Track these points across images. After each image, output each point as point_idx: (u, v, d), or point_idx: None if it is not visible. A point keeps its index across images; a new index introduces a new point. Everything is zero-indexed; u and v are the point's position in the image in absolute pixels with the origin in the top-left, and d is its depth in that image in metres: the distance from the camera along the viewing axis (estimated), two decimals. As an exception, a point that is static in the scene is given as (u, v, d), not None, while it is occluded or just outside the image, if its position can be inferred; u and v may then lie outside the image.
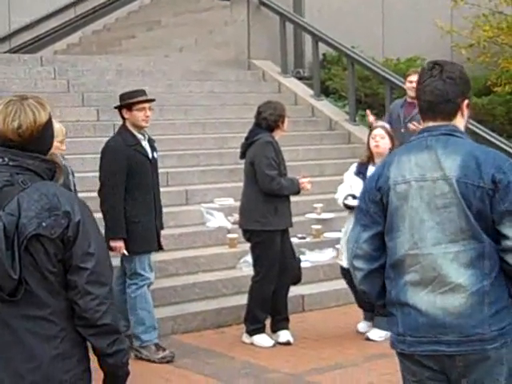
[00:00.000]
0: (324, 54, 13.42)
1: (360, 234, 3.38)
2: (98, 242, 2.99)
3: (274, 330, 7.11)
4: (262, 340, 7.02)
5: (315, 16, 13.33)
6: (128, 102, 6.63)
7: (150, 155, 6.70)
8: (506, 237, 3.14)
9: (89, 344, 3.04)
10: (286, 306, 7.10)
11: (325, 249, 8.80)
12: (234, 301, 7.76)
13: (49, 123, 3.04)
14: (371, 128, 7.50)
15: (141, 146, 6.65)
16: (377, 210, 3.32)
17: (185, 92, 11.46)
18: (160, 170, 7.00)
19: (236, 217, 7.88)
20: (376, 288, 3.40)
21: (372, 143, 7.15)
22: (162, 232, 6.85)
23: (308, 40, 13.01)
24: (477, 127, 10.35)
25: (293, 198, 7.17)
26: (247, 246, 7.32)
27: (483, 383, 3.20)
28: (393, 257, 3.30)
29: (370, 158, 7.17)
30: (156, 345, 6.64)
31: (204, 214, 8.94)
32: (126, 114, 6.65)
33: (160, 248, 6.83)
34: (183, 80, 11.85)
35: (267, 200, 6.88)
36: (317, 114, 12.24)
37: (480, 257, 3.15)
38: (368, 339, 7.12)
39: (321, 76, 12.82)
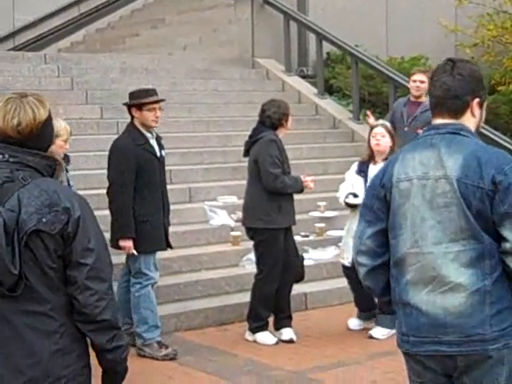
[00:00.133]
0: (328, 53, 13.42)
1: (364, 229, 3.39)
2: (97, 238, 3.00)
3: (277, 327, 7.12)
4: (265, 338, 7.02)
5: (319, 15, 13.33)
6: (139, 102, 6.58)
7: (158, 153, 6.68)
8: (505, 239, 3.11)
9: (88, 340, 3.05)
10: (288, 303, 7.11)
11: (328, 247, 8.80)
12: (237, 298, 7.76)
13: (48, 120, 3.05)
14: (372, 126, 7.51)
15: (149, 144, 6.61)
16: (380, 207, 3.32)
17: (189, 90, 11.46)
18: (164, 168, 7.01)
19: (239, 215, 7.88)
20: (380, 284, 3.40)
21: (373, 142, 7.16)
22: (165, 230, 6.85)
23: (312, 39, 13.00)
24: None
25: (296, 196, 7.17)
26: (250, 243, 7.32)
27: (482, 382, 3.18)
28: (395, 255, 3.29)
29: (371, 157, 7.18)
30: (159, 342, 6.64)
31: (207, 211, 8.95)
32: (136, 113, 6.61)
33: (169, 246, 6.82)
34: (187, 78, 11.85)
35: (271, 198, 6.88)
36: (320, 112, 12.23)
37: (480, 257, 3.13)
38: (371, 337, 7.12)
39: (325, 74, 12.82)
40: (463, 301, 3.14)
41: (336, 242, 8.62)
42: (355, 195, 7.10)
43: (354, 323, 7.39)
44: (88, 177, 8.69)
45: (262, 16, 13.10)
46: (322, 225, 9.09)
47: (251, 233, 7.08)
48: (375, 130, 7.21)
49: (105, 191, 8.47)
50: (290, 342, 7.03)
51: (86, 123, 9.89)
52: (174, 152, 9.67)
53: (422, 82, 9.04)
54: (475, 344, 3.13)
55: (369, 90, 12.76)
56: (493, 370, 3.16)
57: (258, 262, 7.04)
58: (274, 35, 13.04)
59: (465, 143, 3.21)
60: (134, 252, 6.48)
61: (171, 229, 6.94)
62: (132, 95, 6.72)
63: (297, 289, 7.49)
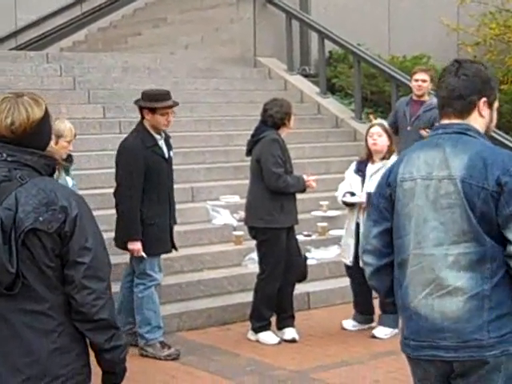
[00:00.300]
0: (330, 52, 13.40)
1: (370, 228, 3.37)
2: (95, 237, 3.00)
3: (280, 327, 7.11)
4: (268, 337, 7.02)
5: (321, 13, 13.32)
6: (153, 106, 6.47)
7: (166, 155, 6.64)
8: (510, 242, 3.05)
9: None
10: (291, 303, 7.10)
11: (330, 246, 8.80)
12: (240, 298, 7.76)
13: (44, 119, 3.05)
14: (369, 126, 7.53)
15: (158, 146, 6.56)
16: (386, 206, 3.30)
17: (190, 89, 11.46)
18: (167, 168, 6.99)
19: (242, 214, 7.88)
20: (385, 285, 3.37)
21: (370, 141, 7.18)
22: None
23: (314, 37, 13.00)
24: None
25: (299, 196, 7.17)
26: (253, 243, 7.32)
27: None
28: (399, 256, 3.26)
29: (369, 156, 7.20)
30: (161, 342, 6.64)
31: (210, 211, 8.95)
32: (148, 116, 6.51)
33: (173, 247, 6.81)
34: (189, 77, 11.85)
35: (273, 197, 6.87)
36: (323, 111, 12.23)
37: (481, 260, 3.08)
38: (374, 337, 7.12)
39: (327, 73, 12.81)
40: (461, 305, 3.09)
41: (338, 241, 8.60)
42: (352, 194, 7.13)
43: (349, 324, 7.40)
44: (90, 176, 8.69)
45: (263, 15, 13.09)
46: (325, 224, 9.09)
47: (253, 232, 7.08)
48: (372, 130, 7.22)
49: (107, 191, 8.50)
50: (293, 341, 7.03)
51: (88, 123, 9.88)
52: (176, 151, 9.58)
53: (424, 80, 9.03)
54: (472, 350, 3.08)
55: (371, 89, 12.75)
56: (489, 376, 3.11)
57: (261, 262, 7.04)
58: (276, 34, 13.03)
59: (471, 143, 3.17)
60: (143, 254, 6.47)
61: (174, 228, 6.93)
62: (146, 96, 6.58)
63: (299, 288, 7.49)
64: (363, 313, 7.38)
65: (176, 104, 6.65)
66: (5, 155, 2.99)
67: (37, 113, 3.02)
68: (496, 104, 3.32)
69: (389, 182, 3.30)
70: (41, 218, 2.90)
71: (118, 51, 13.93)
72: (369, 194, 6.97)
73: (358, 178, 7.18)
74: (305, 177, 7.05)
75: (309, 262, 7.41)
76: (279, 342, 7.00)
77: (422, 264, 3.17)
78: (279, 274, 6.92)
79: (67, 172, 6.04)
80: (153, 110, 6.48)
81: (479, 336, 3.07)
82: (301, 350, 6.88)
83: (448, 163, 3.14)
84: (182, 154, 9.87)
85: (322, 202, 9.32)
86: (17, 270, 2.88)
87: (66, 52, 14.59)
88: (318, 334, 7.33)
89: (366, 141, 7.23)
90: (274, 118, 6.96)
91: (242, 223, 7.81)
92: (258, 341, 7.02)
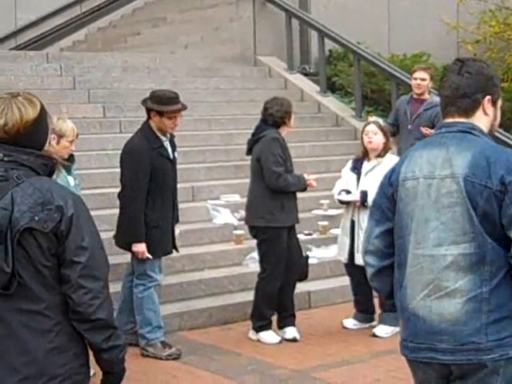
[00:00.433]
0: (330, 50, 13.39)
1: (372, 229, 3.33)
2: (92, 236, 3.00)
3: (281, 326, 7.11)
4: (269, 336, 7.01)
5: (321, 12, 13.32)
6: (161, 109, 6.41)
7: (171, 155, 6.61)
8: None
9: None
10: (292, 302, 7.10)
11: (331, 245, 8.78)
12: (240, 297, 7.76)
13: (38, 119, 3.04)
14: (364, 124, 7.54)
15: (164, 148, 6.52)
16: (388, 206, 3.26)
17: (190, 89, 11.44)
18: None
19: (242, 213, 7.87)
20: (387, 286, 3.33)
21: (365, 139, 7.19)
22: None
23: (314, 36, 12.99)
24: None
25: (299, 195, 7.17)
26: (253, 242, 7.32)
27: None
28: (400, 256, 3.22)
29: (365, 154, 7.20)
30: (162, 342, 6.64)
31: (210, 210, 8.94)
32: (155, 118, 6.45)
33: (175, 249, 6.80)
34: (189, 77, 11.85)
35: (274, 196, 6.87)
36: (323, 110, 12.22)
37: (480, 262, 3.02)
38: (374, 335, 7.12)
39: (327, 72, 12.80)
40: (459, 307, 3.04)
41: (339, 240, 8.62)
42: (348, 192, 7.15)
43: (350, 323, 7.40)
44: (91, 176, 8.68)
45: (263, 14, 13.08)
46: (325, 223, 9.09)
47: (254, 231, 7.08)
48: (367, 128, 7.23)
49: (107, 190, 8.53)
50: (294, 340, 7.02)
51: (88, 122, 9.87)
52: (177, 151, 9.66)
53: (423, 79, 9.02)
54: (470, 353, 3.04)
55: (371, 87, 12.74)
56: (487, 379, 3.06)
57: (262, 261, 7.04)
58: (275, 33, 13.02)
59: (475, 142, 3.13)
60: (149, 256, 6.46)
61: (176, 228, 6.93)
62: (154, 98, 6.49)
63: (300, 287, 7.49)
64: (364, 311, 7.38)
65: (184, 108, 6.58)
66: (1, 155, 2.99)
67: (30, 113, 3.01)
68: (500, 102, 3.28)
69: (391, 182, 3.27)
70: (36, 218, 2.90)
71: (118, 51, 13.93)
72: (363, 193, 6.99)
73: (354, 176, 7.21)
74: (305, 176, 7.05)
75: (310, 261, 7.41)
76: (280, 341, 6.99)
77: (421, 265, 3.13)
78: (280, 273, 6.91)
79: (69, 171, 6.02)
80: (160, 113, 6.43)
81: (477, 339, 3.02)
82: (302, 349, 6.88)
83: (451, 162, 3.09)
84: (183, 153, 9.83)
85: (322, 201, 9.32)
86: (12, 270, 2.88)
87: (66, 52, 14.58)
88: (319, 333, 7.33)
89: (362, 139, 7.24)
90: (274, 117, 6.95)
91: (242, 222, 7.81)
92: (258, 340, 7.02)
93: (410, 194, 3.18)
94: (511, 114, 12.08)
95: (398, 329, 6.71)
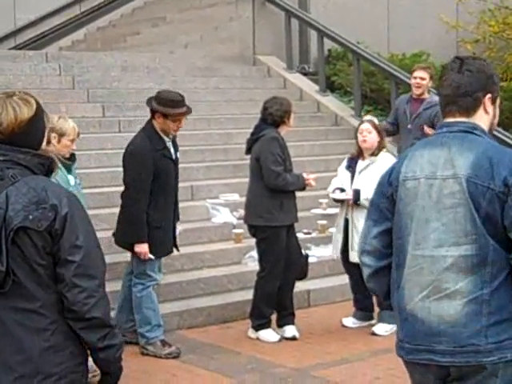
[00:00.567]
0: (329, 50, 13.40)
1: (370, 228, 3.28)
2: (87, 235, 3.00)
3: (280, 325, 7.12)
4: (268, 335, 7.02)
5: (320, 12, 13.32)
6: (167, 111, 6.37)
7: (174, 156, 6.61)
8: None
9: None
10: (291, 301, 7.11)
11: (330, 244, 8.75)
12: (240, 296, 7.76)
13: (34, 119, 3.04)
14: (359, 123, 7.56)
15: (167, 149, 6.51)
16: (387, 205, 3.21)
17: (190, 88, 11.43)
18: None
19: (241, 212, 7.88)
20: (384, 287, 3.29)
21: (360, 138, 7.21)
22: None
23: (313, 36, 12.99)
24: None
25: (298, 194, 7.18)
26: (253, 241, 7.32)
27: None
28: (398, 256, 3.18)
29: (360, 153, 7.22)
30: (162, 341, 6.64)
31: (209, 209, 8.95)
32: (159, 119, 6.42)
33: (176, 248, 6.79)
34: (188, 76, 11.85)
35: (273, 196, 6.87)
36: (322, 109, 12.23)
37: (482, 263, 2.98)
38: (374, 334, 7.13)
39: (326, 71, 12.80)
40: (459, 309, 3.01)
41: (338, 239, 8.62)
42: (342, 190, 7.17)
43: (349, 321, 7.42)
44: (90, 175, 8.68)
45: (263, 13, 13.09)
46: (324, 222, 9.09)
47: (253, 230, 7.08)
48: (362, 127, 7.25)
49: (107, 190, 8.54)
50: (293, 339, 7.03)
51: (87, 122, 9.87)
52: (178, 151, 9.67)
53: (423, 78, 9.03)
54: (469, 355, 3.00)
55: (370, 86, 12.75)
56: (486, 382, 3.03)
57: (261, 260, 7.04)
58: (275, 32, 13.02)
59: (477, 142, 3.08)
60: (151, 256, 6.45)
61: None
62: (160, 99, 6.44)
63: (299, 286, 7.49)
64: (363, 309, 7.39)
65: (189, 111, 6.54)
66: None
67: (25, 112, 3.02)
68: (498, 100, 3.25)
69: (390, 181, 3.21)
70: (30, 217, 2.91)
71: (117, 50, 13.93)
72: (355, 191, 7.02)
73: (348, 174, 7.24)
74: (304, 175, 7.05)
75: (309, 259, 7.42)
76: (279, 340, 7.00)
77: (420, 265, 3.08)
78: (279, 272, 6.92)
79: (69, 170, 6.02)
80: (165, 115, 6.40)
81: (476, 341, 2.99)
82: (301, 347, 6.89)
83: (453, 162, 3.05)
84: (182, 153, 9.76)
85: (321, 200, 9.31)
86: (7, 268, 2.89)
87: (65, 51, 14.60)
88: (318, 331, 7.33)
89: (356, 138, 7.26)
90: (273, 116, 6.96)
91: (241, 221, 7.82)
92: (258, 339, 7.03)
93: (410, 194, 3.13)
94: (510, 114, 12.09)
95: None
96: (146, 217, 6.40)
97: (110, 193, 8.45)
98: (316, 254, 8.61)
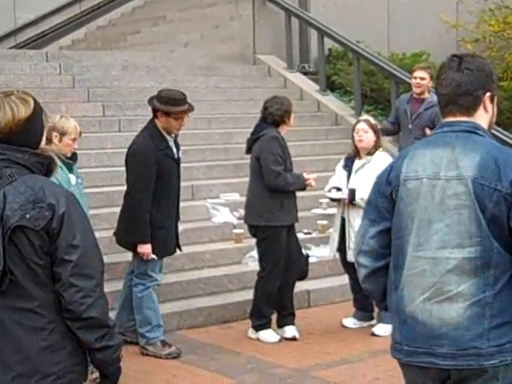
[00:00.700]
0: (330, 49, 13.39)
1: (367, 228, 3.21)
2: (84, 234, 2.99)
3: (280, 325, 7.11)
4: (268, 335, 7.02)
5: (321, 11, 13.32)
6: (169, 110, 6.36)
7: (176, 155, 6.60)
8: None
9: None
10: (291, 301, 7.10)
11: (330, 244, 8.80)
12: (240, 296, 7.76)
13: (32, 118, 3.04)
14: (355, 122, 7.57)
15: (170, 148, 6.50)
16: (386, 205, 3.15)
17: (190, 87, 11.41)
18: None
19: (242, 212, 7.88)
20: (380, 288, 3.24)
21: (356, 138, 7.22)
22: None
23: (313, 35, 12.98)
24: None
25: (298, 194, 7.18)
26: (253, 241, 7.32)
27: None
28: (398, 257, 3.12)
29: (356, 152, 7.23)
30: (162, 341, 6.64)
31: (210, 209, 8.95)
32: (161, 118, 6.41)
33: (178, 247, 6.79)
34: (188, 75, 11.84)
35: (273, 195, 6.87)
36: (322, 108, 12.22)
37: (485, 266, 2.95)
38: (373, 334, 7.13)
39: (326, 71, 12.80)
40: (461, 311, 2.97)
41: (338, 238, 8.62)
42: (338, 189, 7.18)
43: (349, 322, 7.42)
44: (90, 175, 8.67)
45: (263, 12, 13.09)
46: (325, 222, 9.09)
47: (253, 230, 7.08)
48: (358, 126, 7.25)
49: (107, 189, 8.55)
50: (293, 339, 7.03)
51: (87, 121, 9.86)
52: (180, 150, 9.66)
53: (423, 78, 9.02)
54: (471, 358, 2.97)
55: (370, 86, 12.75)
56: None
57: (261, 260, 7.04)
58: (275, 31, 13.02)
59: (481, 142, 3.04)
60: (154, 257, 6.45)
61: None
62: (162, 98, 6.43)
63: (299, 286, 7.49)
64: (363, 309, 7.39)
65: (191, 109, 6.53)
66: None
67: (23, 112, 3.02)
68: (496, 98, 3.20)
69: (389, 181, 3.14)
70: (27, 216, 2.91)
71: (118, 49, 13.93)
72: (350, 191, 7.03)
73: (345, 174, 7.25)
74: (305, 175, 7.05)
75: (309, 259, 7.41)
76: (280, 340, 7.00)
77: (422, 267, 3.03)
78: (279, 272, 6.92)
79: (71, 170, 6.02)
80: (167, 114, 6.39)
81: (479, 344, 2.96)
82: (301, 347, 6.89)
83: (457, 163, 3.00)
84: (182, 152, 9.78)
85: (321, 200, 9.30)
86: (4, 267, 2.89)
87: (66, 50, 14.59)
88: (318, 331, 7.33)
89: (353, 137, 7.27)
90: (274, 116, 6.95)
91: (241, 221, 7.81)
92: (258, 339, 7.02)
93: (411, 194, 3.08)
94: (510, 113, 12.08)
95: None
96: (149, 217, 6.39)
97: (110, 192, 8.46)
98: (316, 254, 8.60)
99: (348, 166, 7.26)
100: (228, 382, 6.17)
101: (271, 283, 6.93)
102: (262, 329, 7.03)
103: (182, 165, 9.60)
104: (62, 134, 5.87)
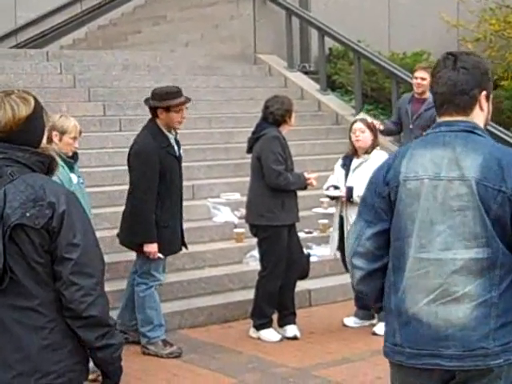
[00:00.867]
0: (330, 49, 13.40)
1: (363, 230, 3.12)
2: (85, 233, 2.99)
3: (281, 324, 7.11)
4: (269, 335, 7.02)
5: (321, 10, 13.32)
6: (168, 104, 6.37)
7: (177, 153, 6.60)
8: None
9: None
10: (292, 300, 7.11)
11: (331, 243, 8.79)
12: (241, 295, 7.76)
13: (32, 117, 3.04)
14: (352, 122, 7.57)
15: (171, 146, 6.50)
16: (383, 206, 3.08)
17: (191, 87, 11.42)
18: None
19: (243, 211, 7.88)
20: (375, 290, 3.18)
21: (353, 137, 7.21)
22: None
23: (314, 34, 12.99)
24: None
25: (299, 193, 7.18)
26: (254, 240, 7.32)
27: None
28: (398, 258, 3.07)
29: (354, 151, 7.24)
30: (163, 340, 6.64)
31: (210, 208, 8.95)
32: (162, 115, 6.41)
33: (184, 246, 6.79)
34: (189, 75, 11.84)
35: (274, 195, 6.87)
36: (323, 108, 12.23)
37: (492, 266, 2.93)
38: (375, 334, 7.13)
39: (327, 70, 12.81)
40: (468, 312, 2.95)
41: (339, 238, 8.62)
42: (336, 187, 7.19)
43: (350, 321, 7.42)
44: (91, 174, 8.67)
45: (263, 12, 13.09)
46: (326, 221, 9.08)
47: (255, 230, 7.08)
48: (355, 126, 7.25)
49: (108, 189, 8.55)
50: (294, 338, 7.03)
51: (88, 120, 9.86)
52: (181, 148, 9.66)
53: (423, 78, 9.02)
54: (478, 358, 2.94)
55: (371, 85, 12.74)
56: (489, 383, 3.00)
57: (262, 259, 7.04)
58: (276, 31, 13.02)
59: (482, 143, 3.01)
60: (160, 256, 6.44)
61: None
62: (158, 95, 6.46)
63: (300, 285, 7.49)
64: (364, 307, 7.36)
65: (189, 100, 6.56)
66: None
67: (23, 111, 3.03)
68: (491, 96, 3.16)
69: (387, 181, 3.07)
70: (27, 214, 2.91)
71: (118, 49, 13.91)
72: (348, 189, 7.04)
73: (343, 172, 7.26)
74: (306, 174, 7.05)
75: (310, 259, 7.42)
76: (281, 340, 7.00)
77: (426, 269, 2.99)
78: (280, 271, 6.92)
79: (72, 169, 6.02)
80: (167, 109, 6.39)
81: (486, 344, 2.94)
82: (302, 347, 6.89)
83: (459, 163, 2.96)
84: (183, 152, 9.85)
85: (322, 199, 9.29)
86: (4, 265, 2.89)
87: (66, 50, 14.58)
88: (320, 331, 7.33)
89: (350, 137, 7.27)
90: (274, 115, 6.96)
91: (242, 221, 7.81)
92: (259, 338, 7.03)
93: (412, 195, 3.02)
94: (511, 113, 12.07)
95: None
96: (154, 216, 6.38)
97: (111, 192, 8.46)
98: (317, 253, 8.60)
99: (346, 165, 7.28)
100: (229, 381, 6.17)
101: (272, 283, 6.93)
102: (263, 328, 7.03)
103: (182, 164, 9.62)
104: (62, 132, 5.88)
